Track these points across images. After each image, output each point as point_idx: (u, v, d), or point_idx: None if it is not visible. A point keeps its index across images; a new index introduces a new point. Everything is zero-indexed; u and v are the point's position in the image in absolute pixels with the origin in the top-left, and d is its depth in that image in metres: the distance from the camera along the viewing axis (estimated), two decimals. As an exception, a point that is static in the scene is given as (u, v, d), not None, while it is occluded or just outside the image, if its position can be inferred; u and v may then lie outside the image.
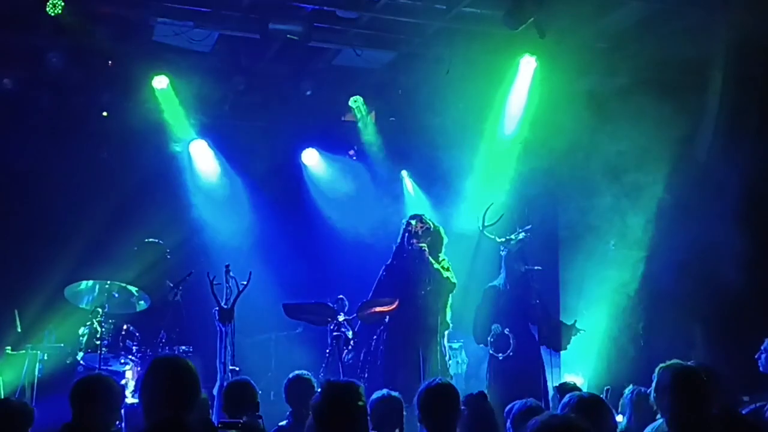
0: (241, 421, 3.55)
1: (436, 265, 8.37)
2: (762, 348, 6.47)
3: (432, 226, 8.53)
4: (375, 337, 8.48)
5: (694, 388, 4.32)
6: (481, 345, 8.92)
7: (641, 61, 9.52)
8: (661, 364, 4.52)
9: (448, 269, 8.47)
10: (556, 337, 8.71)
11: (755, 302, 8.71)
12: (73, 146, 9.83)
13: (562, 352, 9.59)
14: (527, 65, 9.82)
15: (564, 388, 5.72)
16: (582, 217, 9.93)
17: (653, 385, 4.46)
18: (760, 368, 6.46)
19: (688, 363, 4.72)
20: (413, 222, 8.51)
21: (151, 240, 9.22)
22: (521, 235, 8.78)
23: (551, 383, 8.63)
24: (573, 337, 8.78)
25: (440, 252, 8.55)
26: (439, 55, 9.76)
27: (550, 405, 7.58)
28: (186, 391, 3.90)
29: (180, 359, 4.16)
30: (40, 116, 9.73)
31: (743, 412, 5.50)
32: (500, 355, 8.56)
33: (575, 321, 8.99)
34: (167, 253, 9.09)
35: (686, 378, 4.35)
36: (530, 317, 8.69)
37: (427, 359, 7.97)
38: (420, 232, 8.41)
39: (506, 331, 8.55)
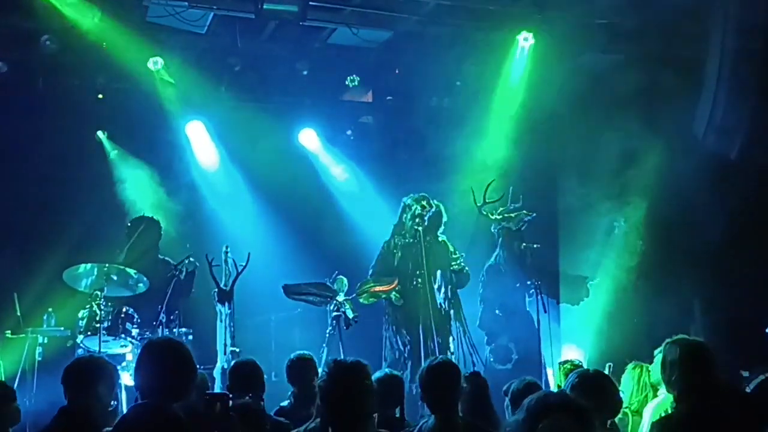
0: (227, 393, 3.52)
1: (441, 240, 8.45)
2: None
3: (434, 207, 8.56)
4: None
5: (704, 362, 4.31)
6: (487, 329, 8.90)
7: (639, 36, 9.47)
8: (668, 339, 4.51)
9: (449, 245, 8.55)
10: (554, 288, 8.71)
11: (755, 276, 8.72)
12: (69, 129, 9.77)
13: (561, 328, 9.60)
14: (525, 42, 9.78)
15: (566, 366, 5.75)
16: (581, 193, 9.92)
17: (660, 360, 4.45)
18: None
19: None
20: (421, 206, 8.50)
21: (143, 216, 9.20)
22: (522, 214, 8.77)
23: (551, 358, 8.63)
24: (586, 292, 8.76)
25: (439, 230, 8.60)
26: (436, 33, 9.70)
27: (551, 383, 7.61)
28: (176, 378, 3.83)
29: (172, 342, 4.10)
30: (35, 99, 9.67)
31: (750, 386, 5.50)
32: (498, 365, 8.55)
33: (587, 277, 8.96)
34: (160, 229, 9.07)
35: (695, 352, 4.34)
36: (527, 290, 8.67)
37: (425, 336, 7.98)
38: (425, 215, 8.43)
39: (510, 344, 8.53)
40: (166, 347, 4.02)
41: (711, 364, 4.33)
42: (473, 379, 5.24)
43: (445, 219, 8.66)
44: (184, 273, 8.49)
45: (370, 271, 8.59)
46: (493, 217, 8.88)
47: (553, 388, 6.74)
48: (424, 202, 8.51)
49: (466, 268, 8.60)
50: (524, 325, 8.53)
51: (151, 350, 4.02)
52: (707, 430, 4.11)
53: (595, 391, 4.14)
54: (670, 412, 4.43)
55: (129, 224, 9.15)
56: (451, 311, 8.33)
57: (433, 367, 4.71)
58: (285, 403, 6.00)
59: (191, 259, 8.57)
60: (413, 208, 8.47)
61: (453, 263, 8.55)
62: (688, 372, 4.27)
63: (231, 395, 3.69)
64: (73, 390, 4.49)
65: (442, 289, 8.20)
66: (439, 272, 8.31)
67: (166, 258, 8.98)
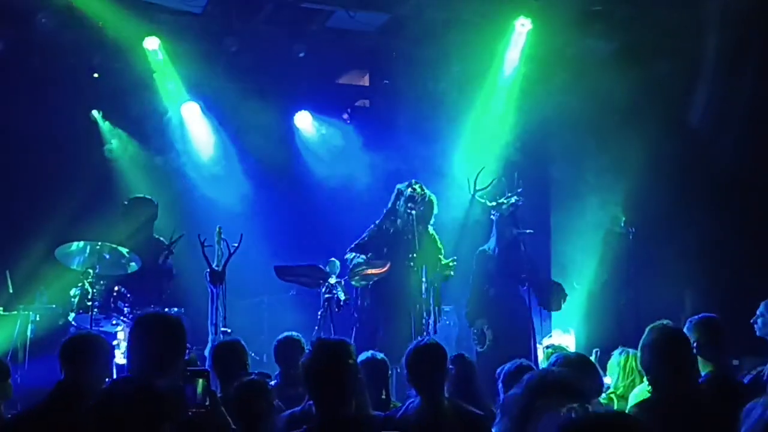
0: (209, 369, 3.56)
1: (431, 233, 8.45)
2: (758, 312, 6.44)
3: (427, 195, 8.55)
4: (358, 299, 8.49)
5: (678, 349, 4.31)
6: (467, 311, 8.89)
7: (636, 24, 9.46)
8: (651, 325, 4.52)
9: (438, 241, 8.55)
10: (546, 297, 8.68)
11: (748, 264, 8.75)
12: (64, 108, 9.77)
13: (553, 313, 9.61)
14: (522, 28, 9.78)
15: (548, 351, 5.77)
16: (573, 180, 9.93)
17: (640, 345, 4.46)
18: (757, 332, 6.46)
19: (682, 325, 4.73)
20: (412, 188, 8.49)
21: (140, 196, 9.19)
22: (513, 199, 8.74)
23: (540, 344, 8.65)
24: (563, 299, 8.75)
25: (430, 222, 8.60)
26: (434, 17, 9.69)
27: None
28: (164, 352, 3.86)
29: (163, 317, 4.12)
30: (30, 77, 9.65)
31: (744, 380, 5.49)
32: (478, 347, 8.58)
33: (561, 284, 8.96)
34: (156, 209, 9.06)
35: (671, 339, 4.34)
36: (521, 280, 8.65)
37: (416, 322, 8.00)
38: (418, 199, 8.42)
39: (485, 328, 8.54)
40: (155, 321, 4.04)
41: (686, 351, 4.33)
42: (459, 360, 5.25)
43: (435, 212, 8.64)
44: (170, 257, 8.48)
45: (353, 246, 8.54)
46: (489, 203, 8.86)
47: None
48: (416, 186, 8.50)
49: (452, 272, 8.52)
50: (508, 311, 8.50)
51: (141, 324, 4.04)
52: (679, 417, 4.11)
53: (576, 373, 4.15)
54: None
55: (125, 203, 9.13)
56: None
57: (420, 348, 4.72)
58: (272, 382, 6.02)
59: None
60: (406, 192, 8.46)
61: (442, 261, 8.50)
62: (662, 358, 4.27)
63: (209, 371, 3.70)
64: (69, 365, 4.53)
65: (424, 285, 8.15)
66: (425, 267, 8.24)
67: (160, 237, 8.97)
